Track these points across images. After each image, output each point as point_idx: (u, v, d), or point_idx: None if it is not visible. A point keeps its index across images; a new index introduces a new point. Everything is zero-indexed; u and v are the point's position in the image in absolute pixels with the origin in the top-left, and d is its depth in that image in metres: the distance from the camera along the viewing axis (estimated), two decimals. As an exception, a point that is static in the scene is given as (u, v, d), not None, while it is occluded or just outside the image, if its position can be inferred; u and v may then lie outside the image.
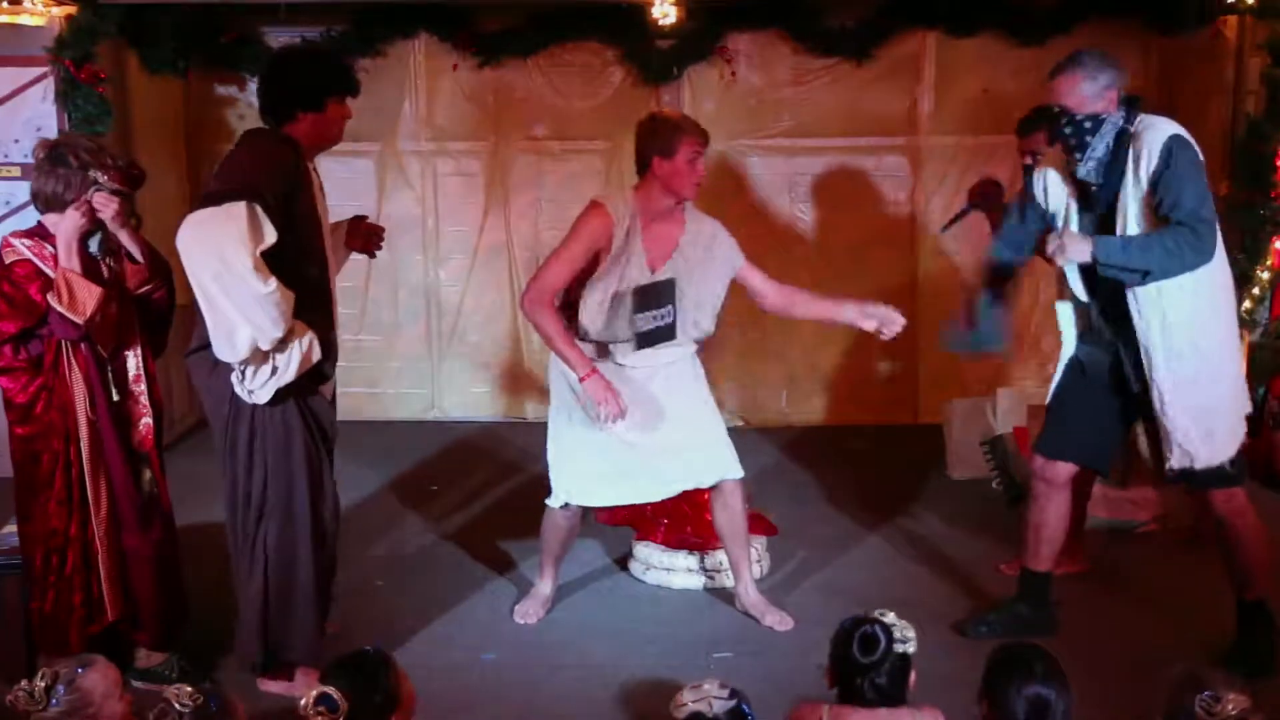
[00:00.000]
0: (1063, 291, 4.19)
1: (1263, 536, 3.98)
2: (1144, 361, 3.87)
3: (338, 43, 6.91)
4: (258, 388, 3.61)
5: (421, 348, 7.44)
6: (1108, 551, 4.99)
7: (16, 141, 5.97)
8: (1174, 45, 6.84)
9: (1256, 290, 5.95)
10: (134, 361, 3.87)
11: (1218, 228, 3.77)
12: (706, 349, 6.76)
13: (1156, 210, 3.75)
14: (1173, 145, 3.73)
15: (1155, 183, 3.74)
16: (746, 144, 7.14)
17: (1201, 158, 3.80)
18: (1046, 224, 4.05)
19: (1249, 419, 4.01)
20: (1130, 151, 3.79)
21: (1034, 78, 6.85)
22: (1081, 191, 3.96)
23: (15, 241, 3.74)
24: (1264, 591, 4.00)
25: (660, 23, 6.26)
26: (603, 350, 4.28)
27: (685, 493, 4.86)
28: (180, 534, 4.11)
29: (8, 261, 3.70)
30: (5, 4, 5.67)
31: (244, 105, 7.07)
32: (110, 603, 3.83)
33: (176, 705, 2.53)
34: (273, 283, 3.43)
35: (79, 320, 3.63)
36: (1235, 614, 4.05)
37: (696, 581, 4.76)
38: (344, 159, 7.15)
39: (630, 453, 4.29)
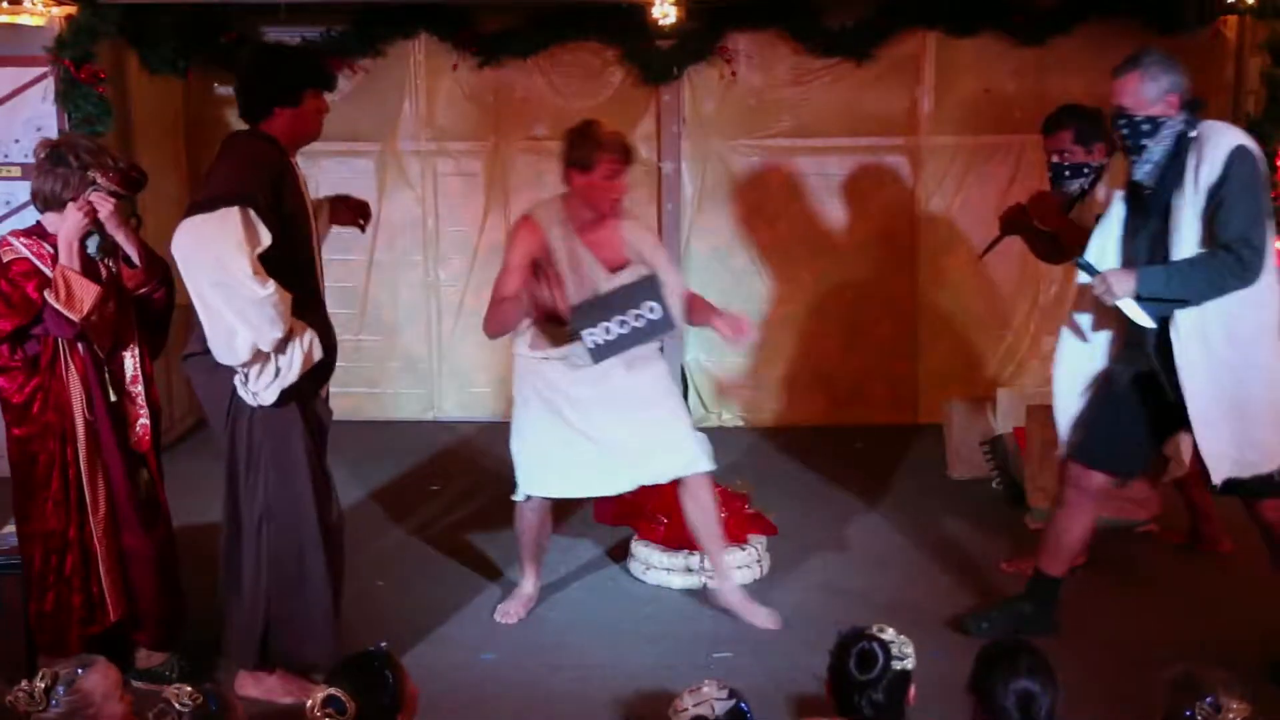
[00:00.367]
0: (1081, 304, 4.11)
1: None
2: (1185, 372, 3.79)
3: (338, 43, 6.92)
4: (262, 389, 3.61)
5: (421, 348, 7.44)
6: (1108, 551, 4.99)
7: (17, 141, 5.97)
8: (1174, 45, 6.78)
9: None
10: (131, 362, 3.87)
11: (1269, 248, 3.67)
12: (706, 349, 6.82)
13: (1210, 223, 3.69)
14: (1234, 158, 3.65)
15: (1212, 194, 3.67)
16: (746, 144, 7.14)
17: (1264, 169, 3.73)
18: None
19: None
20: (1190, 158, 3.72)
21: (1034, 78, 6.90)
22: (1135, 193, 3.90)
23: (14, 240, 3.75)
24: None
25: (660, 23, 6.25)
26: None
27: (685, 493, 4.89)
28: (179, 534, 4.11)
29: (5, 260, 3.71)
30: (5, 4, 5.67)
31: (244, 105, 7.07)
32: (111, 603, 3.83)
33: (176, 705, 2.53)
34: (271, 285, 3.44)
35: (75, 318, 3.63)
36: None
37: (696, 581, 4.76)
38: (344, 159, 7.18)
39: (588, 446, 4.33)
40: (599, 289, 4.22)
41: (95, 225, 3.71)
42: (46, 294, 3.63)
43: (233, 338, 3.47)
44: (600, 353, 4.15)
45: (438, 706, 3.63)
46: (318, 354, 3.68)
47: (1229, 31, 6.56)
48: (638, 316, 4.16)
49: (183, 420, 6.91)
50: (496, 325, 4.26)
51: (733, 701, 2.67)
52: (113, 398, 3.81)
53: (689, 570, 4.77)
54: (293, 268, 3.63)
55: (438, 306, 7.39)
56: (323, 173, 7.06)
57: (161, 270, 3.90)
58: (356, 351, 7.21)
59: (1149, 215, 3.87)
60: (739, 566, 4.78)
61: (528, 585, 4.63)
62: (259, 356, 3.55)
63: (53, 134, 5.44)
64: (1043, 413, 5.51)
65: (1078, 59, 6.84)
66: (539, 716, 3.86)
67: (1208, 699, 2.39)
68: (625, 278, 4.24)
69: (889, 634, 2.74)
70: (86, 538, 3.79)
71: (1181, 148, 3.76)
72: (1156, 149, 3.78)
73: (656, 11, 6.13)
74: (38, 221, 3.80)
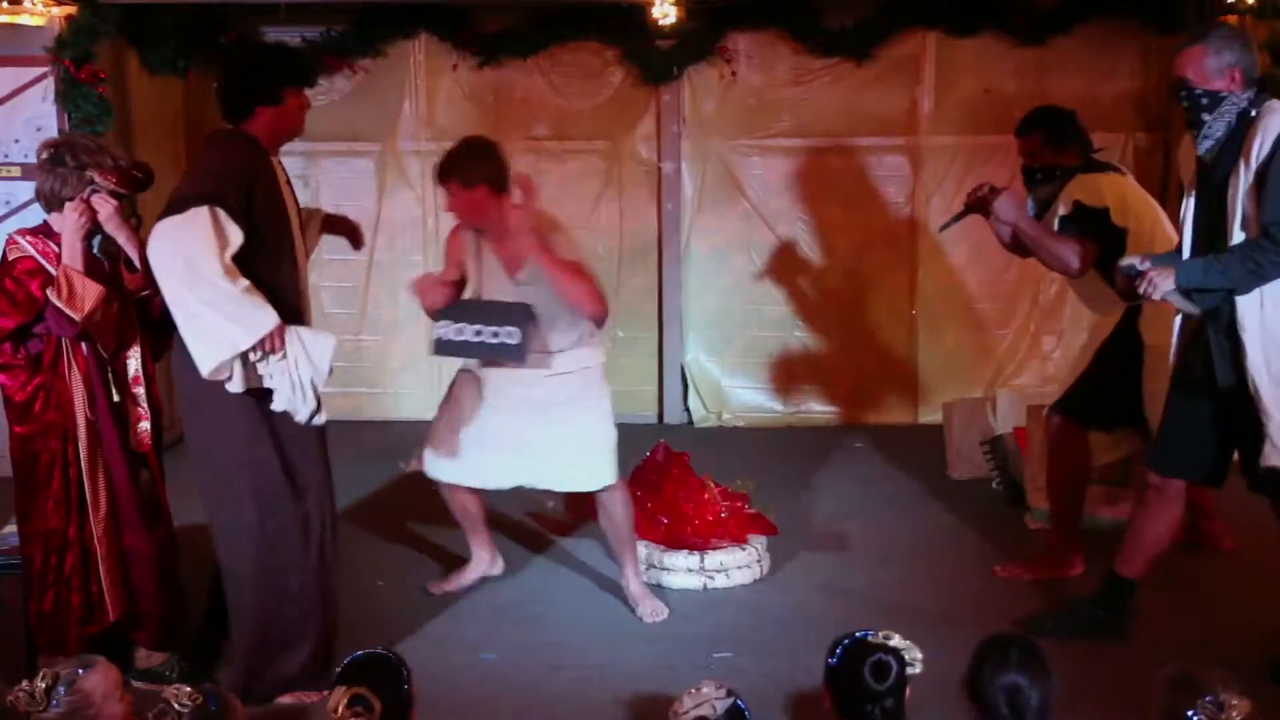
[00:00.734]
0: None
1: None
2: (1241, 353, 3.70)
3: (338, 43, 6.93)
4: (302, 404, 3.61)
5: (421, 348, 7.40)
6: (1108, 550, 4.97)
7: (17, 141, 5.96)
8: (1174, 45, 6.82)
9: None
10: (134, 363, 3.87)
11: None
12: (706, 349, 6.78)
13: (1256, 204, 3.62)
14: None
15: (1262, 174, 3.60)
16: (746, 144, 7.14)
17: None
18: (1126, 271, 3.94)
19: None
20: (1248, 136, 3.64)
21: (1034, 78, 6.90)
22: (1202, 172, 3.83)
23: (20, 239, 3.76)
24: None
25: (660, 23, 6.26)
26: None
27: (685, 492, 4.90)
28: (179, 534, 4.11)
29: (11, 258, 3.72)
30: (5, 4, 5.67)
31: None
32: (111, 603, 3.83)
33: (176, 705, 2.53)
34: (243, 282, 3.45)
35: (76, 316, 3.64)
36: None
37: (696, 581, 4.76)
38: (344, 159, 7.19)
39: (485, 438, 4.46)
40: (490, 294, 4.39)
41: (98, 225, 3.72)
42: (49, 292, 3.64)
43: (210, 336, 3.46)
44: (440, 346, 4.40)
45: (438, 706, 3.62)
46: (324, 345, 3.66)
47: (1229, 31, 6.54)
48: (495, 334, 4.31)
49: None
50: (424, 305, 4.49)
51: (731, 699, 2.69)
52: (115, 398, 3.81)
53: (689, 570, 4.77)
54: (269, 266, 3.62)
55: (438, 306, 7.39)
56: (323, 173, 7.08)
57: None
58: (356, 351, 7.22)
59: (1210, 195, 3.80)
60: (739, 566, 4.79)
61: (478, 557, 4.78)
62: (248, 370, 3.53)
63: (53, 134, 5.45)
64: (1043, 413, 5.51)
65: (1078, 59, 6.85)
66: (539, 716, 3.86)
67: (1208, 697, 2.39)
68: (511, 294, 4.34)
69: (896, 640, 2.73)
70: (87, 537, 3.79)
71: (1243, 125, 3.68)
72: (1217, 124, 3.71)
73: (656, 11, 6.13)
74: (45, 220, 3.81)
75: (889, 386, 7.27)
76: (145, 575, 3.88)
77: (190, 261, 3.42)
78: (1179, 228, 3.98)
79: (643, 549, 4.85)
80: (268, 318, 3.47)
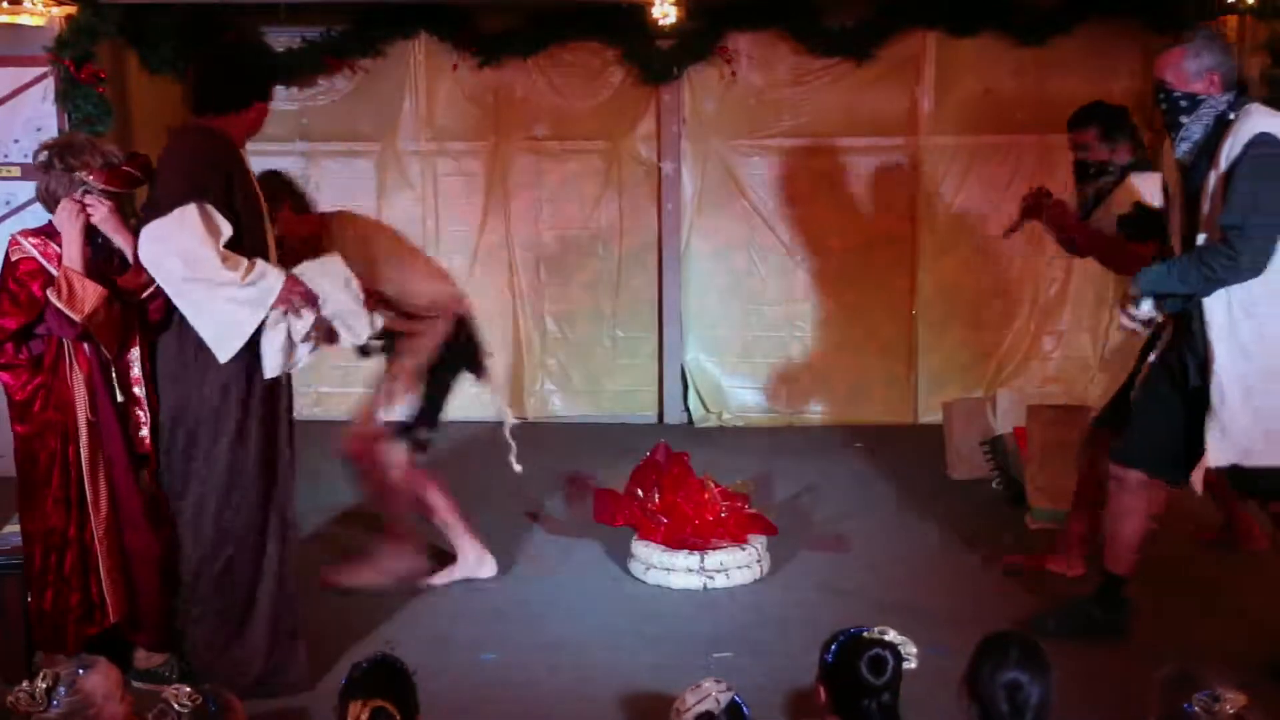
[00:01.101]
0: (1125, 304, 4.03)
1: None
2: (1207, 354, 3.72)
3: (338, 43, 6.93)
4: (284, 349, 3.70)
5: (421, 348, 7.42)
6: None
7: (16, 141, 5.97)
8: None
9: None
10: (135, 364, 3.87)
11: (1272, 236, 3.58)
12: (706, 349, 6.77)
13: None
14: (1255, 142, 3.56)
15: (1229, 175, 3.59)
16: (746, 144, 7.14)
17: None
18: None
19: None
20: (1225, 140, 3.63)
21: (1034, 78, 6.90)
22: (1184, 175, 3.83)
23: (23, 240, 3.76)
24: None
25: (660, 23, 6.26)
26: None
27: (685, 492, 4.90)
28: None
29: (13, 259, 3.72)
30: (5, 4, 5.68)
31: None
32: (112, 604, 3.82)
33: (175, 705, 2.53)
34: (243, 264, 3.55)
35: (77, 318, 3.63)
36: None
37: (696, 581, 4.76)
38: (344, 159, 7.19)
39: None
40: None
41: (92, 227, 3.73)
42: (49, 293, 3.64)
43: (229, 324, 3.55)
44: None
45: (438, 706, 3.62)
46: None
47: (1229, 31, 6.54)
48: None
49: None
50: None
51: (731, 694, 2.71)
52: (119, 398, 3.81)
53: (689, 570, 4.77)
54: (250, 256, 3.68)
55: (438, 306, 7.39)
56: (323, 173, 7.07)
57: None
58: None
59: (1190, 198, 3.80)
60: (739, 566, 4.79)
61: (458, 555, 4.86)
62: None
63: (53, 134, 5.45)
64: (1043, 413, 5.52)
65: (1078, 59, 6.85)
66: (539, 716, 3.86)
67: (1204, 692, 2.39)
68: None
69: (891, 635, 2.74)
70: (87, 537, 3.79)
71: (1220, 129, 3.68)
72: (1195, 127, 3.71)
73: (656, 11, 6.13)
74: (49, 221, 3.82)
75: (889, 387, 7.27)
76: (147, 576, 3.88)
77: (187, 259, 3.50)
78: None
79: (643, 549, 4.86)
80: (272, 281, 3.58)
